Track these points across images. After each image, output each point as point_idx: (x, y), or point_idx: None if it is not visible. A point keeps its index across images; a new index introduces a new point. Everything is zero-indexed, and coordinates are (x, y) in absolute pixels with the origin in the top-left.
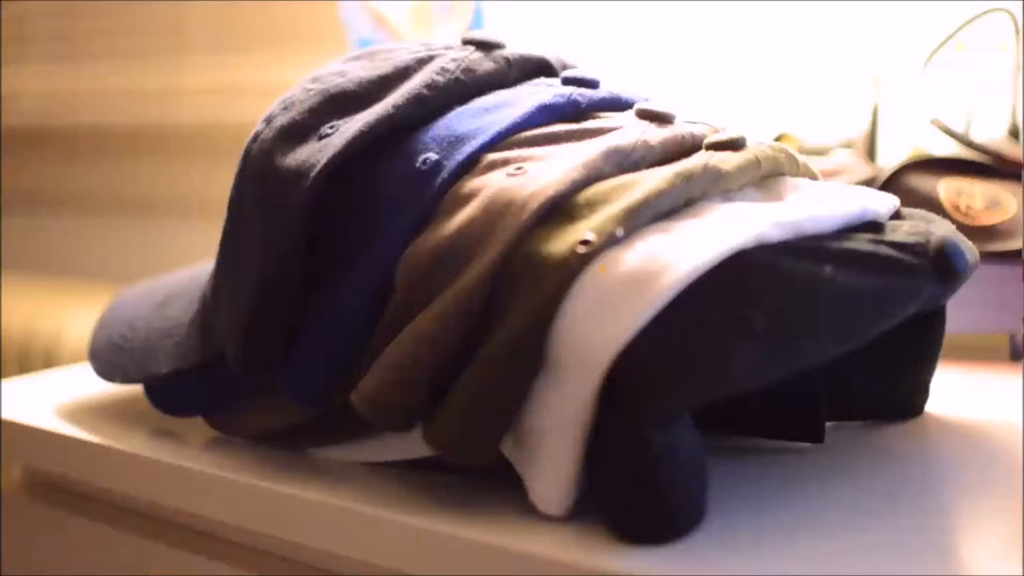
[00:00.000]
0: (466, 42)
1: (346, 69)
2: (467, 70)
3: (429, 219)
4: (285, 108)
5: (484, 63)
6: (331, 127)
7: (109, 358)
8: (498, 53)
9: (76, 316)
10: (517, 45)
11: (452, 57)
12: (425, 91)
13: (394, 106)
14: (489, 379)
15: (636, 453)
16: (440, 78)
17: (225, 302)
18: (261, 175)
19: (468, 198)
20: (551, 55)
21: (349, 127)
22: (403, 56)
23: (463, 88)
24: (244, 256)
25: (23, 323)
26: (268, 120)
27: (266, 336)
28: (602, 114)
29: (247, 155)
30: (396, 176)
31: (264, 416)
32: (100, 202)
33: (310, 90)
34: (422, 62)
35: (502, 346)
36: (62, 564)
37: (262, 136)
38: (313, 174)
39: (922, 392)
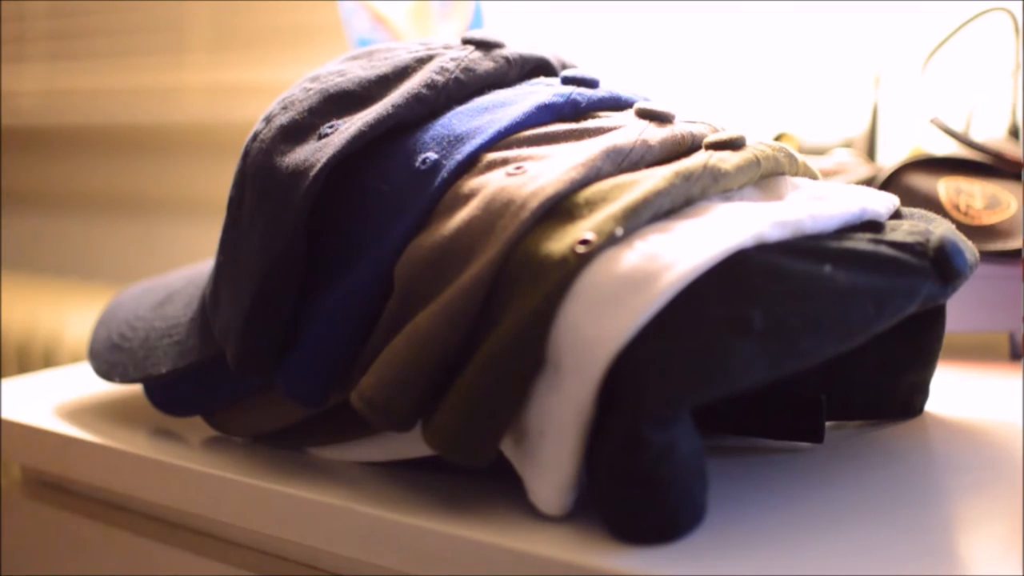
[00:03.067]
0: (466, 41)
1: (345, 69)
2: (466, 70)
3: (428, 219)
4: (284, 107)
5: (484, 63)
6: (330, 127)
7: (108, 357)
8: (498, 53)
9: (76, 316)
10: (517, 45)
11: (452, 57)
12: (424, 91)
13: (393, 106)
14: (488, 379)
15: (636, 453)
16: (439, 78)
17: (224, 301)
18: (261, 174)
19: (467, 198)
20: (551, 55)
21: (348, 127)
22: (402, 56)
23: (462, 88)
24: (244, 255)
25: (23, 323)
26: (267, 119)
27: (265, 335)
28: (602, 114)
29: (247, 154)
30: (395, 176)
31: (264, 416)
32: (100, 202)
33: (309, 90)
34: (421, 62)
35: (501, 345)
36: (62, 564)
37: (261, 135)
38: (312, 173)
39: (922, 392)
